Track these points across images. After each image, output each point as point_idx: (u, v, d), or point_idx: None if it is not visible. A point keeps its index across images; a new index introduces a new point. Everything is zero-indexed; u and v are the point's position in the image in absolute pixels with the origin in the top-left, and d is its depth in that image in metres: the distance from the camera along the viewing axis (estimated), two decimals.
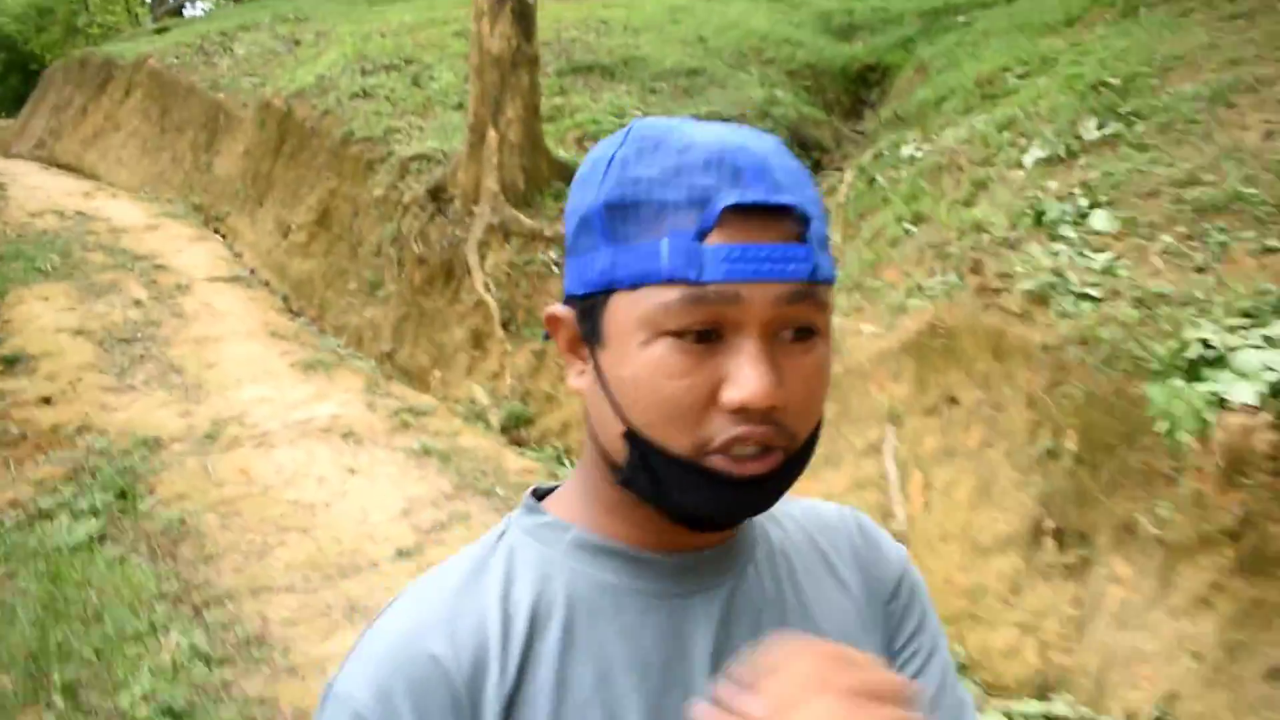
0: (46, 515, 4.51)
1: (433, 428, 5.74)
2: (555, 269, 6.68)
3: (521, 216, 6.92)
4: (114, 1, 28.41)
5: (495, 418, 6.10)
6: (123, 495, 4.73)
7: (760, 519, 0.87)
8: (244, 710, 3.15)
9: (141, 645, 3.45)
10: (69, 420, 5.55)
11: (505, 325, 6.52)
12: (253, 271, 8.85)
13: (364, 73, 9.59)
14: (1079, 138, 5.99)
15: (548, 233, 6.82)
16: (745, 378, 0.68)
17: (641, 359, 0.70)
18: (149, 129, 12.77)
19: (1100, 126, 6.04)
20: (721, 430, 0.69)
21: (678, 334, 0.68)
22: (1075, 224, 5.09)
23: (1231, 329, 3.70)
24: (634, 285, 0.70)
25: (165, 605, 3.77)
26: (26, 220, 9.59)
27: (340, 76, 9.48)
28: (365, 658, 0.72)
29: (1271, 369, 3.45)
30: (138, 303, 7.50)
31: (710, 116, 8.54)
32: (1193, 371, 3.52)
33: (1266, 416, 3.30)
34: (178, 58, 13.17)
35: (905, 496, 4.38)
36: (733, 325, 0.69)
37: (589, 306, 0.73)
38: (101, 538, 4.33)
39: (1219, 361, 3.56)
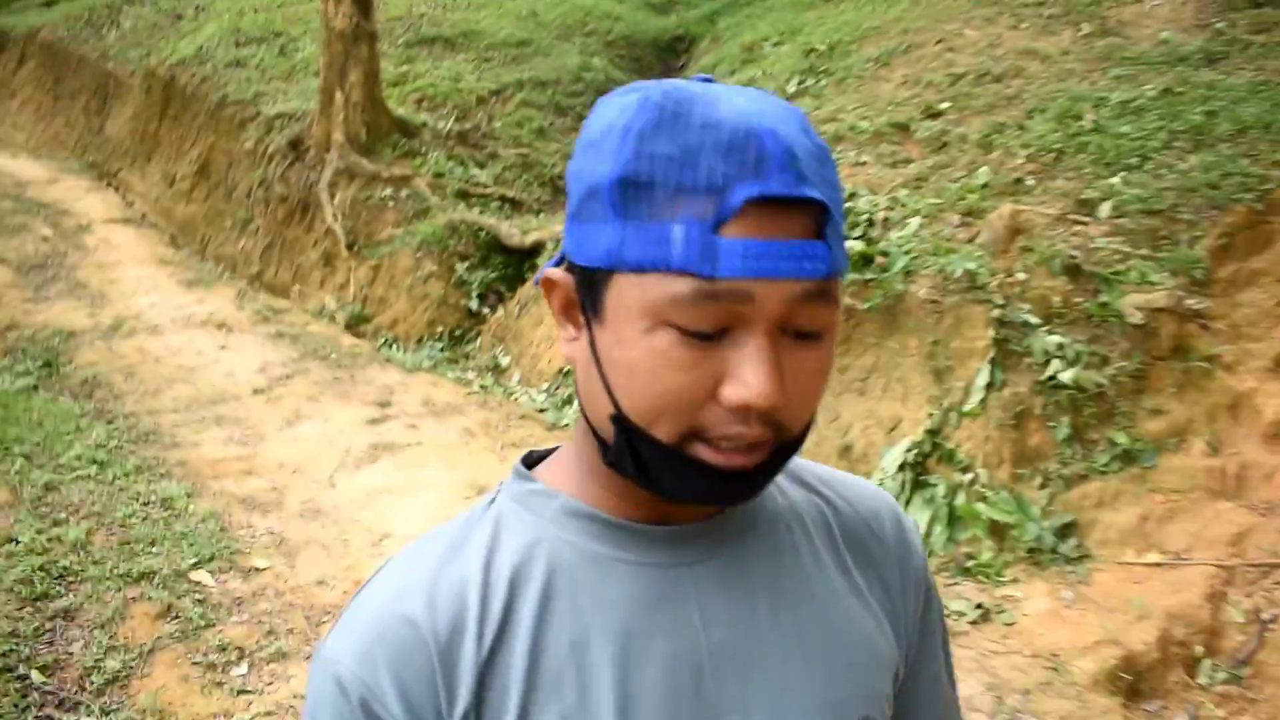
0: None
1: (288, 320, 7.60)
2: (390, 203, 8.52)
3: (364, 161, 8.75)
4: None
5: (340, 317, 7.95)
6: (47, 365, 6.48)
7: (769, 487, 0.84)
8: (141, 462, 4.99)
9: (72, 435, 5.25)
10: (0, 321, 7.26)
11: (350, 248, 8.36)
12: (144, 216, 10.52)
13: (238, 44, 11.27)
14: (786, 91, 7.99)
15: (384, 174, 8.68)
16: (750, 378, 0.66)
17: (642, 346, 0.68)
18: (43, 96, 14.20)
19: (801, 83, 8.07)
20: (717, 425, 0.68)
21: (684, 329, 0.66)
22: None
23: None
24: (642, 270, 0.67)
25: (86, 420, 5.57)
26: None
27: (217, 48, 11.14)
28: (349, 624, 0.75)
29: None
30: (45, 239, 9.15)
31: (532, 83, 10.50)
32: None
33: None
34: (68, 30, 14.57)
35: None
36: (741, 322, 0.67)
37: (590, 279, 0.71)
38: (34, 388, 6.08)
39: None
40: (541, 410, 5.97)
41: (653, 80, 0.72)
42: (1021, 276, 4.78)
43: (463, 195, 8.64)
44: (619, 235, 0.68)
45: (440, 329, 7.54)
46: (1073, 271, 4.77)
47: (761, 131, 0.66)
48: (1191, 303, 4.61)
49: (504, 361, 6.97)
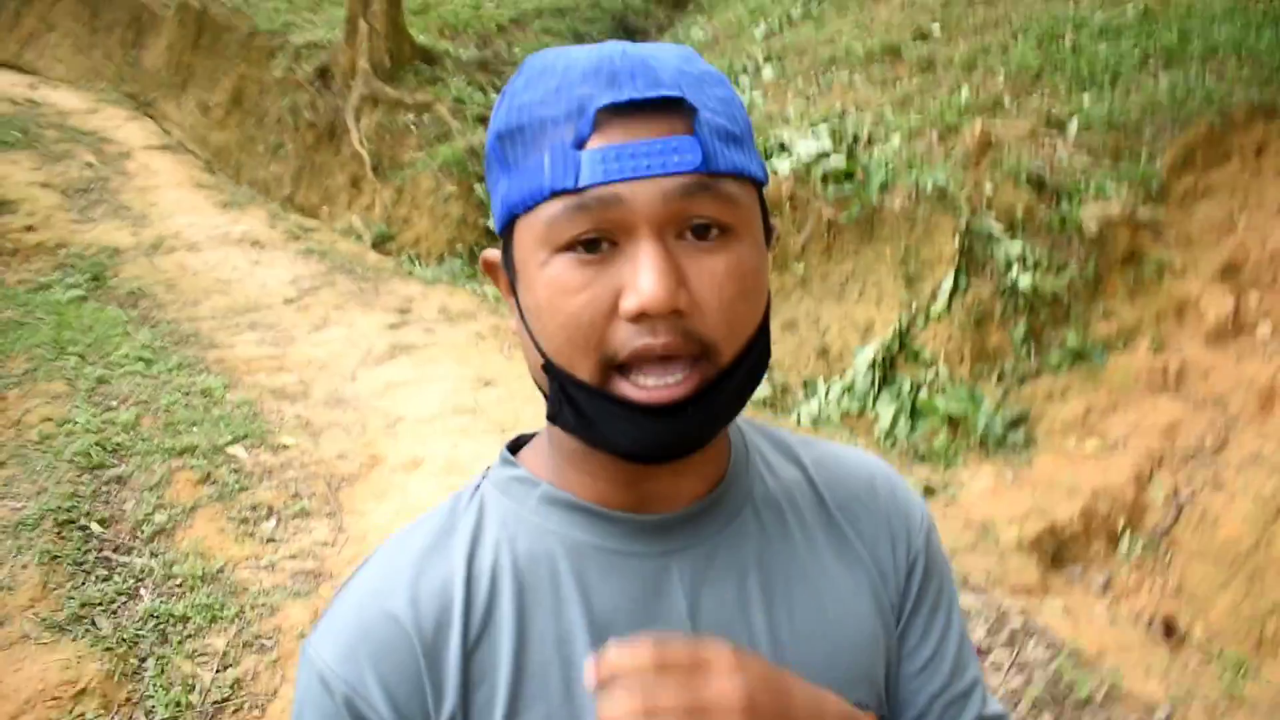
0: (45, 287, 6.78)
1: (317, 238, 8.08)
2: (413, 128, 8.94)
3: (387, 88, 9.16)
4: None
5: (367, 236, 8.43)
6: (95, 279, 7.01)
7: (757, 467, 0.85)
8: (183, 360, 5.51)
9: (120, 338, 5.78)
10: (48, 239, 7.79)
11: (375, 170, 8.81)
12: (180, 143, 11.01)
13: None
14: (790, 17, 8.29)
15: (407, 100, 9.08)
16: (640, 282, 0.65)
17: (542, 280, 0.69)
18: (81, 29, 14.64)
19: (804, 7, 8.35)
20: (625, 344, 0.67)
21: (569, 247, 0.67)
22: (752, 75, 7.43)
23: (798, 131, 6.05)
24: (527, 207, 0.68)
25: (132, 325, 6.10)
26: None
27: None
28: (333, 620, 0.76)
29: (809, 153, 5.76)
30: (89, 164, 9.67)
31: (551, 10, 10.82)
32: (768, 155, 5.82)
33: (791, 177, 5.65)
34: None
35: None
36: (623, 230, 0.67)
37: (506, 244, 0.73)
38: (84, 299, 6.62)
39: (784, 150, 5.89)
40: None
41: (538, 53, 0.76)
42: (989, 189, 5.14)
43: (482, 120, 9.01)
44: (506, 184, 0.70)
45: (459, 246, 7.98)
46: (1037, 184, 5.13)
47: (614, 55, 0.68)
48: (1145, 213, 4.96)
49: None
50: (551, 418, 0.74)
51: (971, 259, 4.98)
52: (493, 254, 0.78)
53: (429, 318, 6.24)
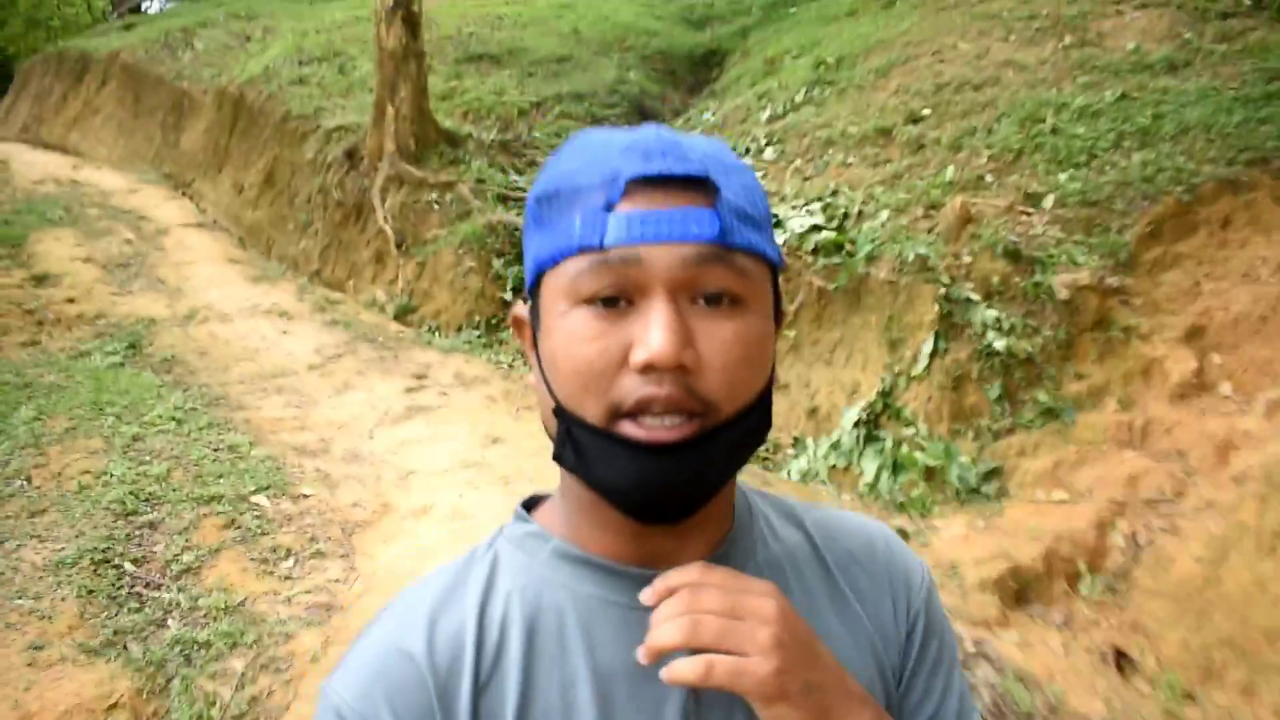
0: (85, 354, 7.25)
1: (342, 310, 8.54)
2: (436, 207, 9.45)
3: (412, 169, 9.70)
4: None
5: (390, 308, 8.89)
6: (132, 346, 7.48)
7: (761, 530, 0.90)
8: (212, 420, 5.92)
9: (154, 400, 6.21)
10: (89, 311, 8.30)
11: (399, 246, 9.31)
12: (215, 221, 11.60)
13: (301, 63, 12.35)
14: (793, 101, 8.77)
15: (431, 180, 9.62)
16: (650, 337, 0.71)
17: (561, 330, 0.75)
18: (123, 113, 15.46)
19: (808, 93, 8.84)
20: (631, 392, 0.73)
21: (590, 300, 0.74)
22: (754, 156, 7.87)
23: (794, 209, 6.47)
24: (555, 262, 0.75)
25: (165, 389, 6.53)
26: (30, 187, 12.28)
27: (282, 67, 12.22)
28: (352, 661, 0.81)
29: (802, 227, 6.17)
30: (128, 241, 10.25)
31: (570, 95, 11.39)
32: None
33: (784, 249, 6.06)
34: (146, 51, 15.85)
35: None
36: (640, 289, 0.73)
37: (534, 297, 0.80)
38: (121, 365, 7.08)
39: (779, 225, 6.30)
40: None
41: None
42: (968, 259, 5.51)
43: (502, 199, 9.53)
44: (538, 243, 0.77)
45: (477, 318, 8.42)
46: (1013, 255, 5.49)
47: (649, 135, 0.76)
48: (1114, 281, 5.31)
49: None
50: (556, 457, 0.79)
51: (950, 324, 5.33)
52: (522, 311, 0.85)
53: (444, 382, 6.63)
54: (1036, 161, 6.20)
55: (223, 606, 3.85)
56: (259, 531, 4.45)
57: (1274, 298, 5.16)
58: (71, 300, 8.54)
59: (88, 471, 5.03)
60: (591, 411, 0.74)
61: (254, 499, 4.74)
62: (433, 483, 4.96)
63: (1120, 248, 5.42)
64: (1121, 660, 3.82)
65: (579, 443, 0.75)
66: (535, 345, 0.80)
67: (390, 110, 9.81)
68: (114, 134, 15.43)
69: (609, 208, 0.73)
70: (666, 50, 13.08)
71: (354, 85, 11.60)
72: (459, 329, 8.34)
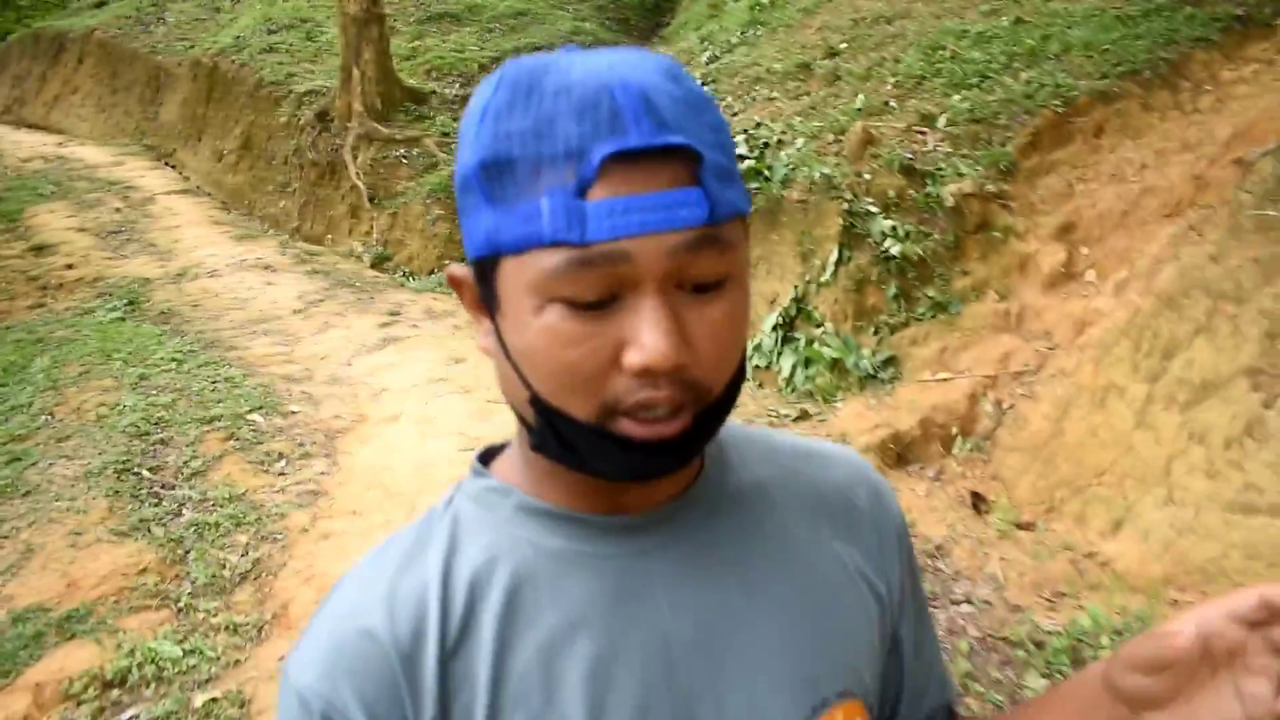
0: (89, 311, 8.02)
1: (322, 261, 9.31)
2: (404, 161, 10.17)
3: (379, 127, 10.41)
4: None
5: (366, 258, 9.64)
6: (131, 303, 8.24)
7: (734, 465, 0.87)
8: (208, 359, 6.70)
9: (155, 346, 6.98)
10: (88, 274, 9.05)
11: (371, 200, 10.04)
12: (198, 187, 12.32)
13: (270, 32, 12.99)
14: (730, 43, 9.44)
15: (398, 136, 10.33)
16: (646, 339, 0.66)
17: (535, 327, 0.68)
18: (102, 89, 16.09)
19: (743, 34, 9.50)
20: (627, 394, 0.68)
21: (569, 301, 0.67)
22: None
23: None
24: (519, 249, 0.67)
25: (165, 336, 7.31)
26: (19, 164, 12.98)
27: (252, 36, 12.86)
28: (310, 640, 0.77)
29: None
30: (118, 210, 10.98)
31: (528, 48, 12.02)
32: None
33: None
34: (120, 28, 16.43)
35: None
36: (628, 284, 0.67)
37: (482, 270, 0.72)
38: (122, 319, 7.84)
39: None
40: None
41: (515, 59, 0.72)
42: (868, 177, 6.26)
43: None
44: (493, 220, 0.68)
45: (447, 261, 9.16)
46: (908, 170, 6.24)
47: (613, 86, 0.66)
48: (994, 188, 6.07)
49: None
50: (536, 448, 0.76)
51: (853, 235, 6.08)
52: (461, 271, 0.78)
53: (415, 317, 7.41)
54: (935, 86, 6.93)
55: (227, 497, 4.66)
56: (255, 441, 5.25)
57: (1136, 194, 5.93)
58: (71, 266, 9.29)
59: (103, 405, 5.82)
60: (580, 409, 0.70)
61: (249, 417, 5.54)
62: (402, 396, 5.75)
63: (1002, 158, 6.17)
64: (978, 502, 4.64)
65: (566, 438, 0.72)
66: (489, 316, 0.74)
67: (356, 73, 10.49)
68: (94, 110, 16.06)
69: (582, 191, 0.65)
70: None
71: (322, 50, 12.25)
72: (430, 272, 9.10)
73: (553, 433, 0.72)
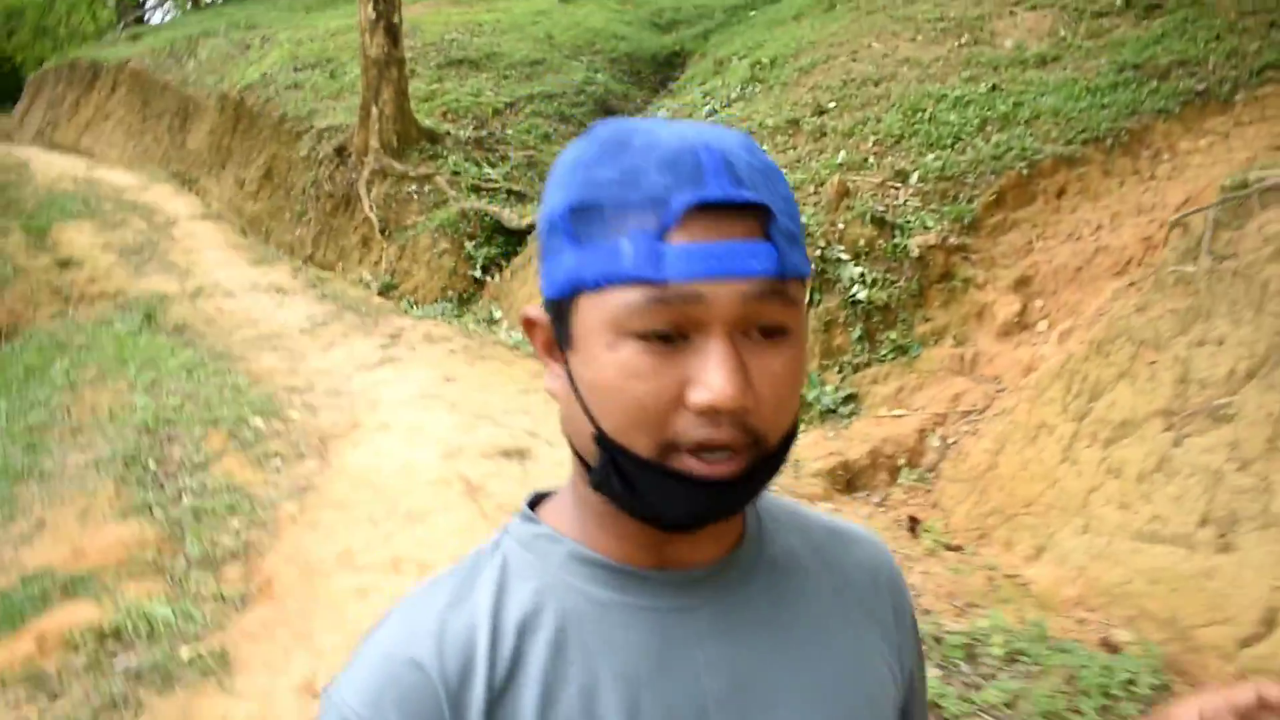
0: (107, 323, 8.50)
1: (332, 287, 9.80)
2: (415, 196, 10.69)
3: (394, 163, 10.95)
4: (79, 4, 31.49)
5: (374, 286, 10.13)
6: (148, 317, 8.72)
7: (770, 533, 0.91)
8: (217, 369, 7.15)
9: (169, 356, 7.44)
10: (109, 289, 9.56)
11: (383, 232, 10.55)
12: (219, 213, 12.88)
13: (295, 69, 13.62)
14: (730, 98, 9.96)
15: (411, 173, 10.86)
16: (712, 379, 0.70)
17: (607, 361, 0.72)
18: (133, 117, 16.76)
19: (743, 90, 10.02)
20: (688, 432, 0.72)
21: (642, 335, 0.71)
22: None
23: None
24: (598, 286, 0.72)
25: (178, 348, 7.77)
26: (50, 185, 13.58)
27: (279, 73, 13.49)
28: (359, 666, 0.79)
29: None
30: (141, 231, 11.53)
31: (541, 96, 12.59)
32: None
33: None
34: (153, 60, 17.15)
35: None
36: (697, 325, 0.71)
37: (559, 310, 0.76)
38: (138, 332, 8.32)
39: None
40: (514, 346, 8.02)
41: (604, 120, 0.80)
42: (842, 226, 6.71)
43: (475, 189, 10.76)
44: (576, 259, 0.73)
45: (450, 292, 9.65)
46: (879, 222, 6.69)
47: (697, 146, 0.72)
48: (957, 241, 6.51)
49: (497, 314, 9.05)
50: (596, 486, 0.78)
51: (824, 279, 6.52)
52: (536, 312, 0.82)
53: (414, 340, 7.86)
54: (911, 145, 7.40)
55: (225, 487, 5.08)
56: (254, 441, 5.68)
57: (1091, 252, 6.36)
58: (93, 280, 9.81)
59: (116, 404, 6.27)
60: (642, 446, 0.73)
61: (251, 420, 5.97)
62: (395, 408, 6.18)
63: (967, 214, 6.62)
64: (914, 524, 5.02)
65: (627, 475, 0.75)
66: (561, 358, 0.79)
67: (375, 111, 11.05)
68: (124, 137, 16.73)
69: (663, 235, 0.70)
70: (633, 53, 14.30)
71: (344, 89, 12.84)
72: (434, 301, 9.57)
73: (615, 469, 0.75)
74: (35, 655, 3.71)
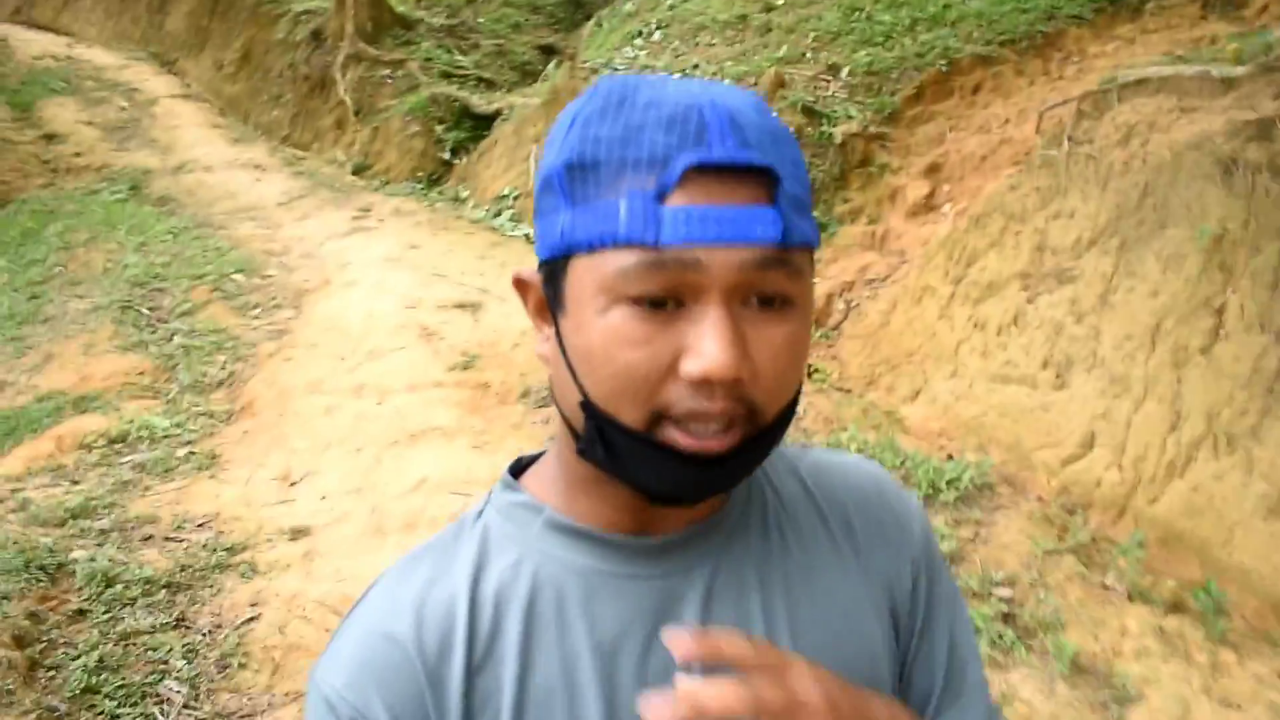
0: (95, 192, 9.11)
1: (307, 166, 10.40)
2: (388, 81, 11.22)
3: (368, 48, 11.46)
4: None
5: (348, 166, 10.73)
6: (133, 188, 9.33)
7: (758, 484, 0.88)
8: (200, 235, 7.80)
9: (155, 222, 8.09)
10: (94, 162, 10.13)
11: (356, 114, 11.11)
12: (198, 94, 13.35)
13: None
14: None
15: (385, 58, 11.38)
16: (706, 348, 0.67)
17: (599, 326, 0.70)
18: None
19: None
20: (680, 401, 0.69)
21: (636, 300, 0.68)
22: (645, 38, 9.60)
23: None
24: (592, 248, 0.69)
25: (163, 216, 8.41)
26: (32, 62, 13.95)
27: None
28: (339, 646, 0.79)
29: None
30: (123, 109, 12.03)
31: None
32: None
33: None
34: None
35: None
36: (694, 292, 0.68)
37: (552, 271, 0.74)
38: (125, 201, 8.94)
39: None
40: (476, 220, 8.69)
41: (609, 75, 0.82)
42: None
43: (446, 75, 11.30)
44: (570, 218, 0.70)
45: (420, 173, 10.26)
46: (809, 111, 7.35)
47: (702, 104, 0.69)
48: (876, 130, 7.19)
49: (463, 194, 9.69)
50: (581, 452, 0.76)
51: None
52: (529, 273, 0.79)
53: (384, 213, 8.52)
54: (846, 42, 8.02)
55: (211, 330, 5.82)
56: (236, 294, 6.40)
57: (995, 143, 7.06)
58: (78, 154, 10.37)
59: (109, 262, 6.96)
60: (629, 415, 0.71)
61: (233, 276, 6.68)
62: (363, 268, 6.89)
63: (889, 106, 7.29)
64: (810, 372, 5.80)
65: (613, 444, 0.72)
66: (552, 321, 0.76)
67: None
68: (103, 15, 17.00)
69: (661, 197, 0.67)
70: None
71: None
72: (404, 181, 10.19)
73: (600, 439, 0.73)
74: (55, 453, 4.48)
